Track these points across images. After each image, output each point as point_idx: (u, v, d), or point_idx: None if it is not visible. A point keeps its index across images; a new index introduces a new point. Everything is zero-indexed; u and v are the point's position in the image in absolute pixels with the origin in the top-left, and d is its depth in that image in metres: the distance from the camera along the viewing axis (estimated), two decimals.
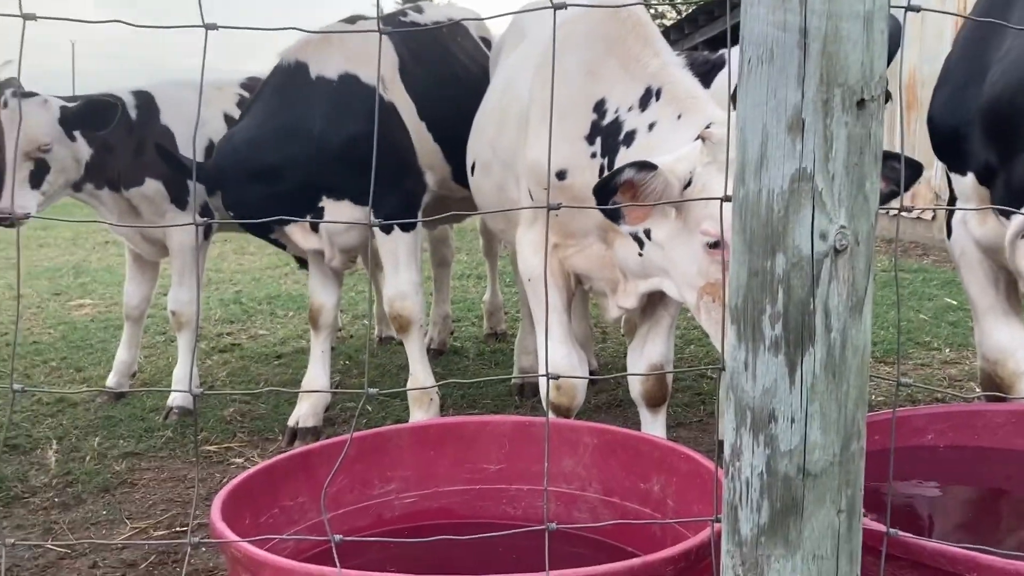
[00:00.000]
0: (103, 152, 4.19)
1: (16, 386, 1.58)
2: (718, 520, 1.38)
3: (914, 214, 9.61)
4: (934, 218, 9.30)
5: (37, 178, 3.97)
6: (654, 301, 3.09)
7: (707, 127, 2.40)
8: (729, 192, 1.32)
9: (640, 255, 2.73)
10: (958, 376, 4.72)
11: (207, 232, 4.61)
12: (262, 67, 4.43)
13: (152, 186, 4.28)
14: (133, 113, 4.30)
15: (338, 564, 1.50)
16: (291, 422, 4.07)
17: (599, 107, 2.88)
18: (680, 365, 5.01)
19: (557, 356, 3.05)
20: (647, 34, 2.93)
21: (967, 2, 8.51)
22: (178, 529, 3.19)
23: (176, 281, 4.47)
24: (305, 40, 3.90)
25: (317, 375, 4.16)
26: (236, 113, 4.42)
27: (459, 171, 3.93)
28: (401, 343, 4.28)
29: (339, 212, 3.80)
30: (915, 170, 2.19)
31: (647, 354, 3.18)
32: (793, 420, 1.25)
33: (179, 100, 4.42)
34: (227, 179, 3.87)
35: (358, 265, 6.42)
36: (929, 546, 1.58)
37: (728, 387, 1.32)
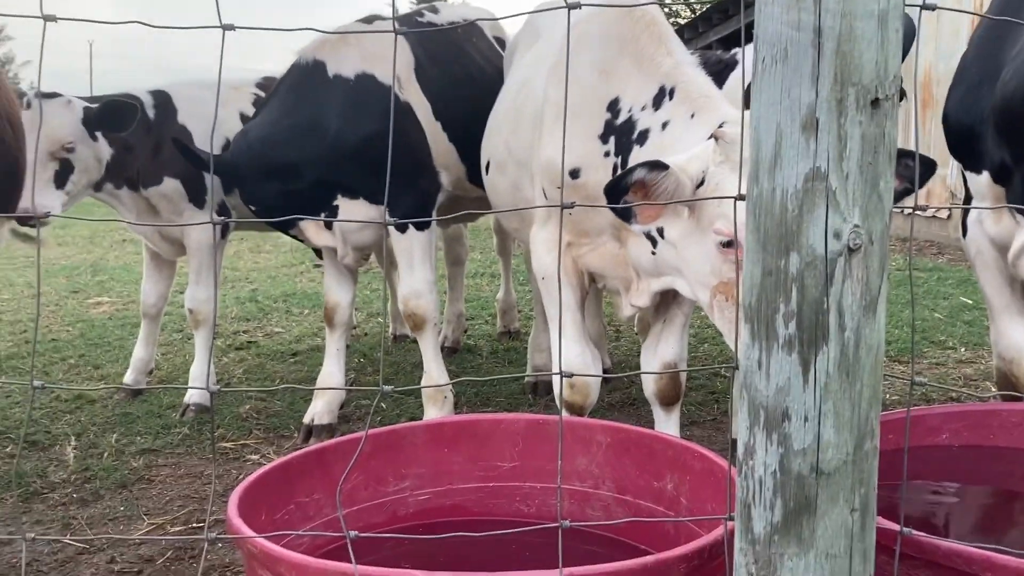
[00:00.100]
0: (123, 152, 4.24)
1: (36, 383, 1.60)
2: (731, 518, 1.39)
3: (929, 212, 9.55)
4: (949, 217, 9.24)
5: (62, 178, 4.02)
6: (668, 300, 3.09)
7: (720, 126, 2.40)
8: (743, 191, 1.32)
9: (653, 254, 2.73)
10: (973, 375, 4.70)
11: (224, 231, 4.64)
12: (275, 67, 4.46)
13: (171, 185, 4.32)
14: (151, 113, 4.34)
15: (354, 560, 1.51)
16: (306, 419, 4.09)
17: (613, 106, 2.89)
18: (694, 364, 5.00)
19: (571, 354, 3.06)
20: (661, 33, 2.93)
21: (983, 0, 8.45)
22: (195, 525, 3.21)
23: (193, 279, 4.51)
24: (323, 39, 3.92)
25: (332, 372, 4.18)
26: (252, 112, 4.45)
27: (474, 171, 3.94)
28: (415, 341, 4.30)
29: (354, 210, 3.82)
30: (929, 168, 2.18)
31: (661, 353, 3.18)
32: (807, 419, 1.26)
33: (196, 100, 4.46)
34: (243, 175, 3.89)
35: (372, 264, 6.45)
36: (944, 545, 1.58)
37: (742, 386, 1.32)
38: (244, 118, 4.48)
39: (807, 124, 1.21)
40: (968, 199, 3.04)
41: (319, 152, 3.76)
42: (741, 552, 1.33)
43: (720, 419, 4.20)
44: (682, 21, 19.53)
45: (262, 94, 4.64)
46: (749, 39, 1.30)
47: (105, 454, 3.86)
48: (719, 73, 3.86)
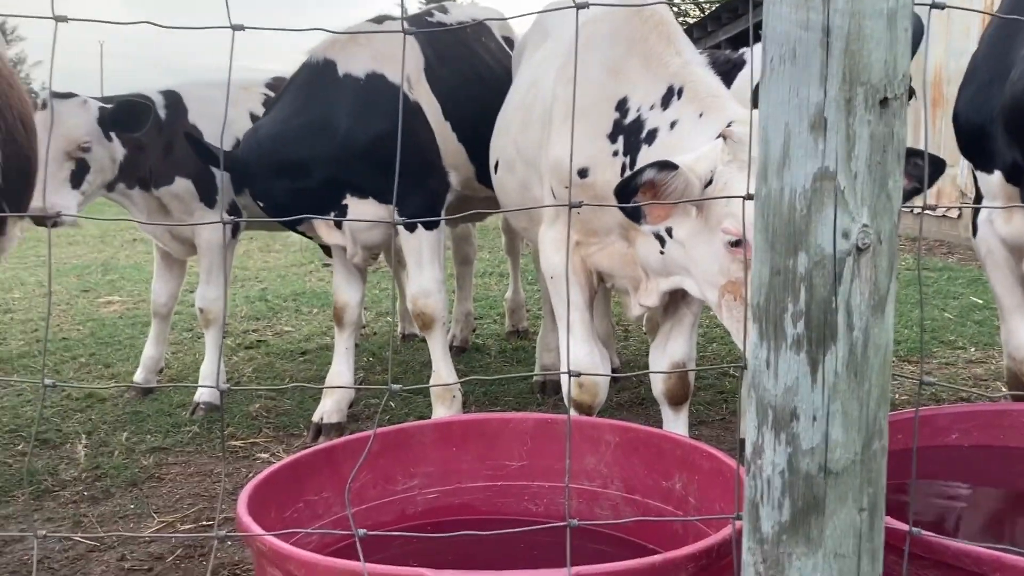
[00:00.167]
0: (135, 152, 4.26)
1: (47, 381, 1.62)
2: (739, 518, 1.39)
3: (939, 212, 9.52)
4: (959, 216, 9.21)
5: (78, 178, 4.05)
6: (676, 299, 3.09)
7: (728, 125, 2.40)
8: (751, 190, 1.32)
9: (661, 253, 2.73)
10: (984, 376, 4.68)
11: (235, 230, 4.66)
12: (285, 67, 4.47)
13: (182, 185, 4.34)
14: (162, 113, 4.36)
15: (362, 558, 1.52)
16: (315, 418, 4.10)
17: (621, 106, 2.89)
18: (702, 363, 4.99)
19: (579, 354, 3.06)
20: (669, 33, 2.93)
21: None
22: (204, 523, 3.23)
23: (204, 279, 4.53)
24: (333, 39, 3.93)
25: (341, 371, 4.19)
26: (262, 112, 4.47)
27: (482, 171, 3.95)
28: (424, 340, 4.31)
29: (363, 210, 3.83)
30: (938, 167, 2.18)
31: (669, 352, 3.18)
32: (815, 418, 1.25)
33: (207, 100, 4.48)
34: (252, 172, 3.91)
35: (381, 263, 6.46)
36: (953, 546, 1.57)
37: (750, 385, 1.32)
38: (254, 118, 4.50)
39: (816, 123, 1.21)
40: (979, 198, 3.03)
41: (329, 151, 3.77)
42: (749, 551, 1.33)
43: (729, 419, 4.19)
44: (691, 20, 19.50)
45: (272, 94, 4.65)
46: (758, 38, 1.30)
47: (115, 452, 3.88)
48: (728, 72, 3.86)
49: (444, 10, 4.63)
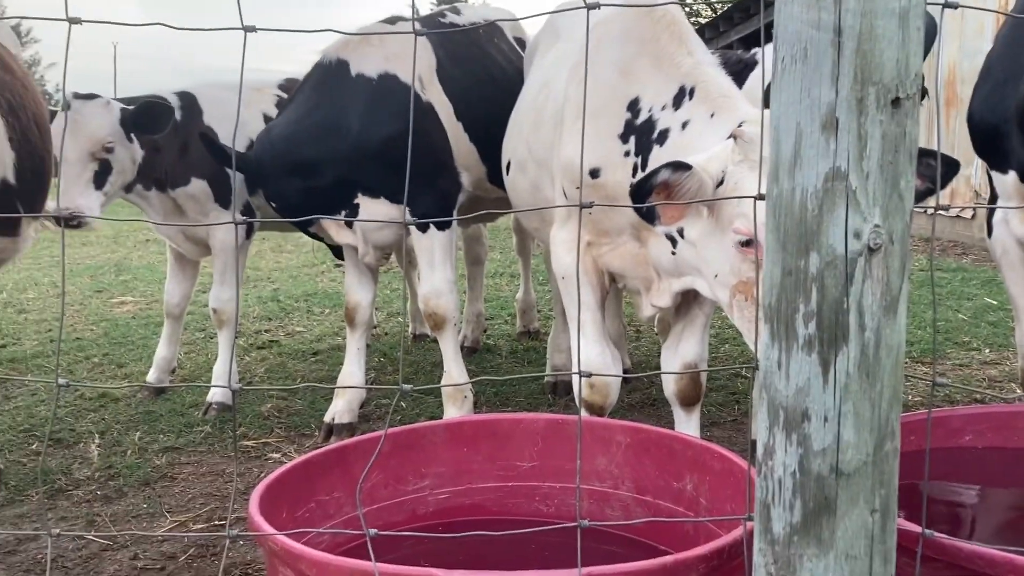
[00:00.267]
0: (152, 153, 4.29)
1: (60, 381, 1.63)
2: (751, 519, 1.38)
3: (953, 212, 9.46)
4: (974, 216, 9.15)
5: (101, 179, 4.07)
6: (688, 300, 3.09)
7: (740, 125, 2.39)
8: (763, 190, 1.32)
9: (673, 254, 2.73)
10: (998, 377, 4.65)
11: (248, 231, 4.68)
12: (298, 69, 4.49)
13: (197, 186, 4.37)
14: (178, 114, 4.39)
15: (373, 558, 1.52)
16: (327, 418, 4.11)
17: (633, 106, 2.89)
18: (714, 364, 4.98)
19: (590, 354, 3.06)
20: (681, 33, 2.92)
21: None
22: (216, 522, 3.24)
23: (218, 280, 4.55)
24: (346, 39, 3.94)
25: (353, 372, 4.20)
26: (275, 114, 4.48)
27: (494, 171, 3.95)
28: (435, 340, 4.31)
29: (374, 209, 3.84)
30: (952, 167, 2.17)
31: (681, 353, 3.17)
32: (826, 419, 1.25)
33: (221, 101, 4.50)
34: (265, 172, 3.93)
35: (392, 263, 6.47)
36: (966, 548, 1.56)
37: (761, 386, 1.32)
38: (267, 119, 4.51)
39: (827, 123, 1.21)
40: (993, 198, 3.01)
41: (341, 151, 3.79)
42: (760, 552, 1.33)
43: (740, 420, 4.18)
44: (703, 20, 19.46)
45: (284, 95, 4.67)
46: (769, 38, 1.30)
47: (128, 452, 3.90)
48: (739, 73, 3.85)
49: (456, 11, 4.63)
